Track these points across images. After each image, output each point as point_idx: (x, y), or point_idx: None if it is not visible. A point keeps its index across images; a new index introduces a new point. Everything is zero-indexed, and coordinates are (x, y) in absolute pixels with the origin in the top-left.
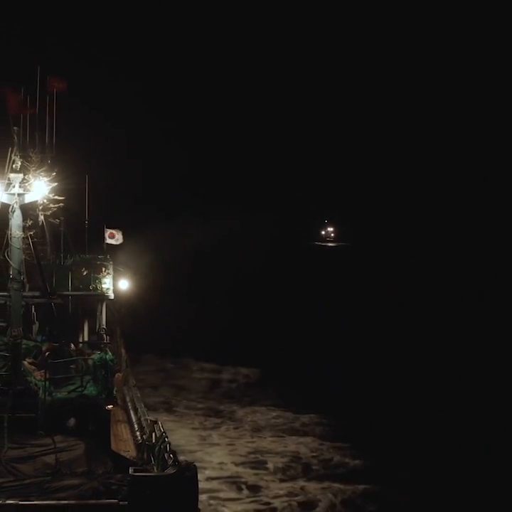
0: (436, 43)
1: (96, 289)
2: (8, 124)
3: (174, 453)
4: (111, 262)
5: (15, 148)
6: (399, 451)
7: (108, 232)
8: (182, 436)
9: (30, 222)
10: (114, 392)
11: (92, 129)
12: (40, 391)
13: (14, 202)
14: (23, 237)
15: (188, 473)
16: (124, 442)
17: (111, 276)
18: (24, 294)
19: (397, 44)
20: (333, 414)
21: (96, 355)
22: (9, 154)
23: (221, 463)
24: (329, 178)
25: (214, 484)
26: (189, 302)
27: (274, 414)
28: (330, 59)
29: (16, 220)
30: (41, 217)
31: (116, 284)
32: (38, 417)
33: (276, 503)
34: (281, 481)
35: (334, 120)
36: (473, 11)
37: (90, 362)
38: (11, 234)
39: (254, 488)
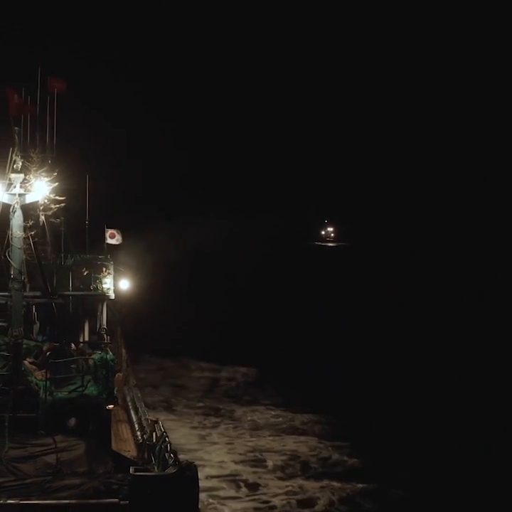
0: (437, 43)
1: (97, 289)
2: (8, 124)
3: (175, 453)
4: (111, 262)
5: (16, 149)
6: (398, 450)
7: (108, 232)
8: (182, 435)
9: (31, 223)
10: (115, 392)
11: (93, 129)
12: (41, 391)
13: (15, 202)
14: (24, 237)
15: (189, 472)
16: (124, 442)
17: (111, 276)
18: (25, 293)
19: (397, 44)
20: (332, 413)
21: (97, 355)
22: (10, 154)
23: (220, 461)
24: (329, 178)
25: (213, 482)
26: (189, 302)
27: (273, 413)
28: (330, 59)
29: (16, 220)
30: (42, 218)
31: (117, 284)
32: (38, 416)
33: (276, 502)
34: (281, 479)
35: (334, 120)
36: (473, 11)
37: (91, 362)
38: (11, 234)
39: (254, 487)
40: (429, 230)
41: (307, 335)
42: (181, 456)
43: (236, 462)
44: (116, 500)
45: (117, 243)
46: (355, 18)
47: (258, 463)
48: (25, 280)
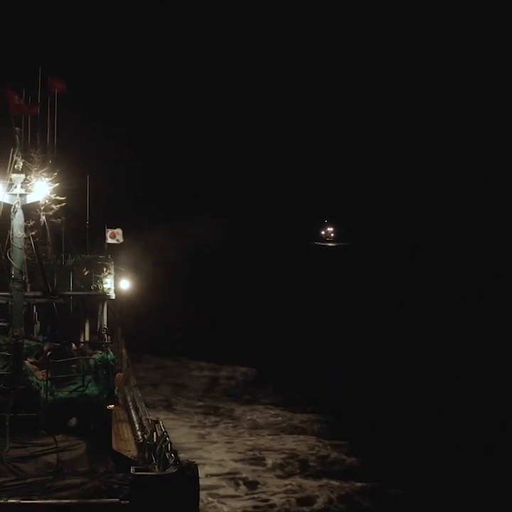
0: (437, 43)
1: (97, 289)
2: (9, 124)
3: (175, 452)
4: (112, 262)
5: (17, 149)
6: (397, 450)
7: (109, 232)
8: (181, 434)
9: (31, 223)
10: (116, 392)
11: (93, 130)
12: (42, 391)
13: (16, 202)
14: (25, 238)
15: (189, 472)
16: (125, 442)
17: (112, 276)
18: (26, 293)
19: (397, 44)
20: (331, 413)
21: (97, 355)
22: (11, 155)
23: (220, 460)
24: (329, 178)
25: (213, 481)
26: (189, 302)
27: (273, 412)
28: (330, 59)
29: (17, 221)
30: (43, 218)
31: (118, 284)
32: (39, 416)
33: (275, 500)
34: (280, 477)
35: (334, 120)
36: (473, 11)
37: (92, 362)
38: (12, 234)
39: (253, 485)
40: (429, 230)
41: (307, 335)
42: (181, 456)
43: (235, 461)
44: (117, 499)
45: (118, 243)
46: (355, 17)
47: (257, 461)
48: (26, 280)
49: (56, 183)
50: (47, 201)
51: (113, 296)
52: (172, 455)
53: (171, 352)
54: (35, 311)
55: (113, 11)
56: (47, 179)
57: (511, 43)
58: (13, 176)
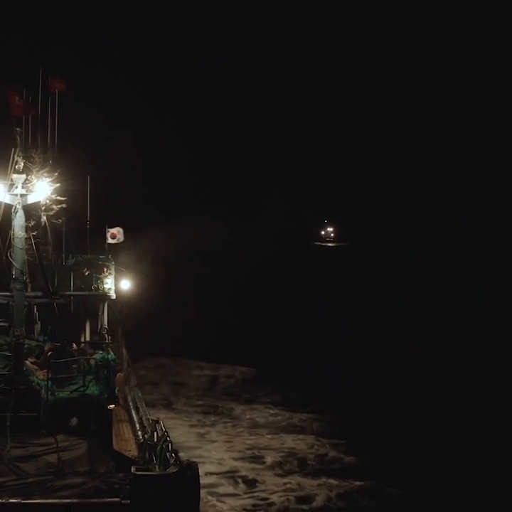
0: (437, 43)
1: (98, 289)
2: (10, 124)
3: (176, 452)
4: (112, 262)
5: (18, 150)
6: (397, 449)
7: (110, 232)
8: (181, 433)
9: (32, 223)
10: (116, 392)
11: (93, 130)
12: (43, 390)
13: (17, 203)
14: (26, 238)
15: (190, 472)
16: (125, 442)
17: (113, 276)
18: (27, 294)
19: (397, 44)
20: (331, 412)
21: (98, 355)
22: (12, 155)
23: (219, 459)
24: (329, 178)
25: (212, 479)
26: (189, 302)
27: (272, 411)
28: (330, 60)
29: (18, 221)
30: (44, 218)
31: (118, 284)
32: (40, 416)
33: (274, 498)
34: (279, 476)
35: (334, 120)
36: (473, 11)
37: (92, 362)
38: (13, 234)
39: (252, 484)
40: (429, 230)
41: (307, 335)
42: (181, 455)
43: (235, 459)
44: (118, 499)
45: (118, 243)
46: (355, 17)
47: (257, 460)
48: (27, 280)
49: (57, 183)
50: (48, 201)
51: (113, 296)
52: (173, 455)
53: (171, 351)
54: (35, 311)
55: (113, 11)
56: (48, 179)
57: (511, 42)
58: (14, 176)
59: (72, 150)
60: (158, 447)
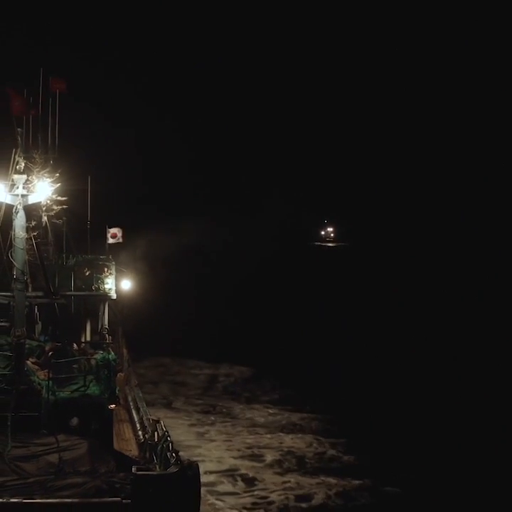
0: (437, 43)
1: (98, 289)
2: (10, 125)
3: (176, 452)
4: (113, 262)
5: (18, 150)
6: (396, 449)
7: (110, 232)
8: (181, 432)
9: (33, 223)
10: (117, 392)
11: (94, 130)
12: (44, 390)
13: (18, 203)
14: (27, 238)
15: (191, 471)
16: (126, 441)
17: (113, 276)
18: (27, 294)
19: (397, 44)
20: (330, 412)
21: (99, 355)
22: (13, 156)
23: (219, 457)
24: (329, 178)
25: (212, 478)
26: (189, 302)
27: (271, 411)
28: (329, 60)
29: (19, 221)
30: (45, 218)
31: (119, 284)
32: (41, 416)
33: (274, 497)
34: (278, 475)
35: (334, 120)
36: (473, 11)
37: (93, 362)
38: (14, 235)
39: (252, 482)
40: (429, 230)
41: (307, 334)
42: (181, 454)
43: (234, 458)
44: (119, 499)
45: (119, 243)
46: (356, 17)
47: (256, 459)
48: (28, 280)
49: (58, 183)
50: (48, 202)
51: (114, 296)
52: (173, 455)
53: (171, 351)
54: (36, 311)
55: (113, 11)
56: (48, 180)
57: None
58: (15, 176)
59: (72, 150)
60: (159, 447)
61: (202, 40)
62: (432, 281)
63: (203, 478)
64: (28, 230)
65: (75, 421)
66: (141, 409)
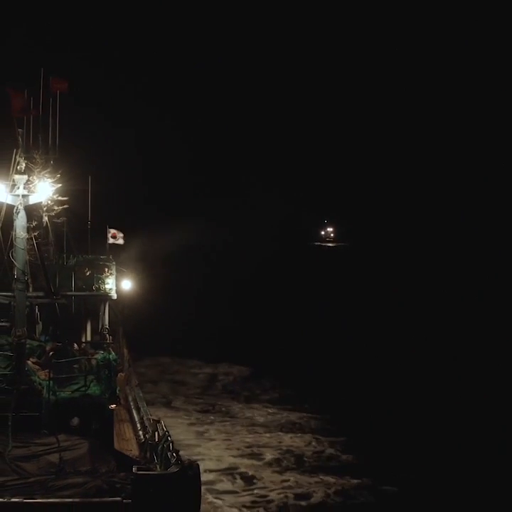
0: (437, 42)
1: (99, 289)
2: (11, 125)
3: (177, 452)
4: (114, 263)
5: (19, 150)
6: (396, 448)
7: (111, 232)
8: (180, 431)
9: (34, 223)
10: (117, 392)
11: (94, 130)
12: (44, 390)
13: (19, 203)
14: (28, 238)
15: (191, 471)
16: (126, 441)
17: (113, 276)
18: (28, 294)
19: (396, 44)
20: (329, 411)
21: (99, 355)
22: (14, 156)
23: (218, 456)
24: (329, 178)
25: (211, 477)
26: (189, 302)
27: (271, 410)
28: (329, 60)
29: (20, 221)
30: (45, 219)
31: (119, 284)
32: (42, 416)
33: (273, 495)
34: (277, 473)
35: (334, 120)
36: (474, 11)
37: (93, 362)
38: (15, 235)
39: (251, 481)
40: (429, 230)
41: (307, 334)
42: (181, 453)
43: (234, 457)
44: (119, 498)
45: (119, 243)
46: (356, 17)
47: (255, 458)
48: (29, 280)
49: (58, 184)
50: (49, 202)
51: (114, 296)
52: (174, 454)
53: (171, 351)
54: (37, 311)
55: (113, 11)
56: (49, 180)
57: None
58: (16, 177)
59: (73, 150)
60: (160, 447)
61: (202, 40)
62: (432, 281)
63: (203, 477)
64: (28, 230)
65: (75, 421)
66: (141, 409)
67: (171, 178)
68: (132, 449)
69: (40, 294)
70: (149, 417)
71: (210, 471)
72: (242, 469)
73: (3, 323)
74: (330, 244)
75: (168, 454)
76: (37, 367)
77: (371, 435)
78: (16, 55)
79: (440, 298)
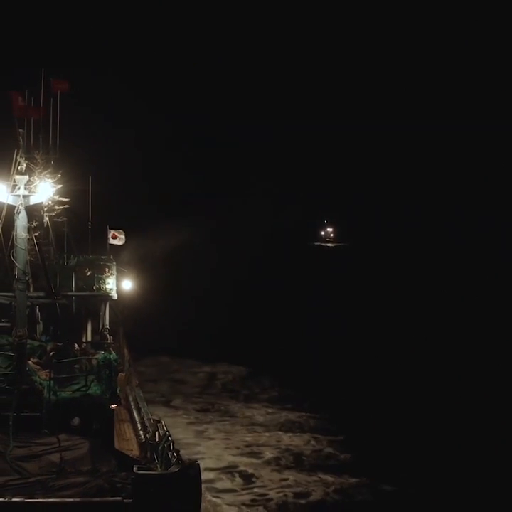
0: (436, 42)
1: (99, 289)
2: (12, 126)
3: (177, 451)
4: (114, 263)
5: (20, 151)
6: (396, 448)
7: (111, 232)
8: (180, 430)
9: (35, 224)
10: (118, 392)
11: (94, 130)
12: (45, 390)
13: (19, 203)
14: (28, 238)
15: (192, 471)
16: (127, 441)
17: (114, 276)
18: (29, 294)
19: (396, 43)
20: (329, 411)
21: (100, 355)
22: (15, 156)
23: (217, 455)
24: (329, 178)
25: (210, 475)
26: (189, 302)
27: (270, 410)
28: (329, 59)
29: (21, 222)
30: (46, 219)
31: (120, 284)
32: (42, 416)
33: (272, 494)
34: (276, 472)
35: (334, 121)
36: (474, 11)
37: (94, 362)
38: (16, 235)
39: (250, 480)
40: (429, 230)
41: (306, 334)
42: (181, 452)
43: (233, 456)
44: (120, 498)
45: (120, 244)
46: (355, 17)
47: (254, 457)
48: (29, 281)
49: (59, 184)
50: (50, 202)
51: (115, 296)
52: (174, 454)
53: (170, 350)
54: (38, 311)
55: (113, 11)
56: (50, 180)
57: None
58: (17, 177)
59: (73, 151)
60: (160, 447)
61: (201, 40)
62: (432, 281)
63: (202, 476)
64: (29, 230)
65: (76, 421)
66: (142, 409)
67: (172, 178)
68: (133, 449)
69: (41, 294)
70: (150, 417)
71: (210, 469)
72: (242, 468)
73: (4, 323)
74: (330, 245)
75: (169, 453)
76: (38, 367)
77: (370, 434)
78: (17, 56)
79: (440, 298)
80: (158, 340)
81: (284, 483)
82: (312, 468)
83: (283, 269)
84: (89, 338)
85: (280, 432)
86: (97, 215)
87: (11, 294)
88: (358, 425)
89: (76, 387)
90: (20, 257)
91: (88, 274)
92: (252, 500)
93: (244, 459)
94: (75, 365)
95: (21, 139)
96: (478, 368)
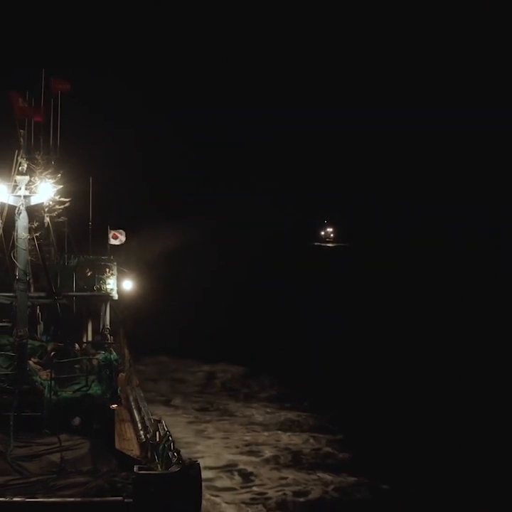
0: (436, 42)
1: (100, 289)
2: (13, 126)
3: (178, 451)
4: (115, 263)
5: (21, 151)
6: (395, 448)
7: (112, 233)
8: (179, 429)
9: (35, 224)
10: (119, 392)
11: (95, 130)
12: (46, 390)
13: (20, 204)
14: (29, 239)
15: (192, 471)
16: (127, 441)
17: (115, 276)
18: (30, 294)
19: (395, 43)
20: (328, 410)
21: (101, 355)
22: (15, 157)
23: (217, 454)
24: (329, 178)
25: (209, 474)
26: (189, 302)
27: (269, 409)
28: (328, 59)
29: (21, 222)
30: (47, 219)
31: (120, 284)
32: (43, 415)
33: (271, 493)
34: (275, 471)
35: (334, 121)
36: (474, 11)
37: (95, 362)
38: (17, 235)
39: (249, 479)
40: (429, 231)
41: (306, 334)
42: (181, 451)
43: (232, 455)
44: (121, 498)
45: (120, 244)
46: (355, 17)
47: (254, 456)
48: (30, 281)
49: (60, 184)
50: (51, 203)
51: (116, 296)
52: (175, 454)
53: (170, 350)
54: (38, 311)
55: (113, 11)
56: (51, 181)
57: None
58: (18, 177)
59: (74, 151)
60: (161, 446)
61: (202, 40)
62: (432, 281)
63: (202, 475)
64: (30, 230)
65: (76, 421)
66: (142, 409)
67: (172, 179)
68: (133, 449)
69: (42, 294)
70: (150, 417)
71: (209, 468)
72: (241, 467)
73: (5, 324)
74: (330, 245)
75: (169, 453)
76: (38, 367)
77: (369, 433)
78: (18, 57)
79: (440, 298)
80: (158, 340)
81: (283, 481)
82: (311, 467)
83: (283, 270)
84: (89, 338)
85: (279, 431)
86: (98, 215)
87: (11, 294)
88: (357, 424)
89: (77, 387)
90: (21, 258)
91: (89, 274)
92: (251, 499)
93: (244, 458)
94: (76, 365)
95: (22, 140)
96: (478, 367)
